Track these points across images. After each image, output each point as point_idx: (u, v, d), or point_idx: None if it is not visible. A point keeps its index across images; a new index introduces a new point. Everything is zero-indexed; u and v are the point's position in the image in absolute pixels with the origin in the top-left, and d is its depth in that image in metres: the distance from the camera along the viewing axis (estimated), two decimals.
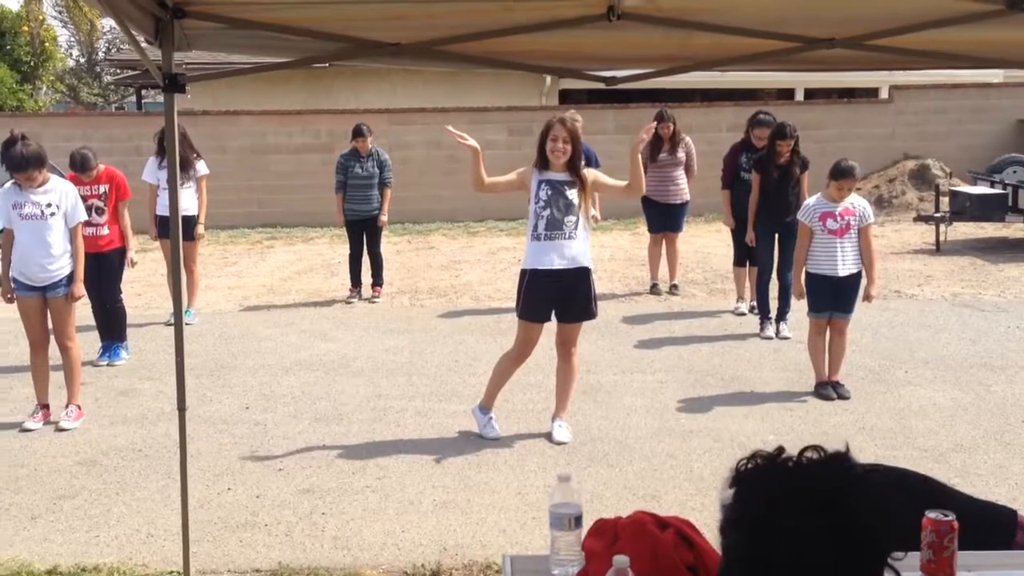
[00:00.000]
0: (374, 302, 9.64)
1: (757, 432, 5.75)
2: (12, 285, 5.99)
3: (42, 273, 5.90)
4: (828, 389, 6.39)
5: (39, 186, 5.90)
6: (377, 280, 9.81)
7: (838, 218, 6.32)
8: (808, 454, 1.38)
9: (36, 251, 5.88)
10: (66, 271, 5.98)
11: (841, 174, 6.30)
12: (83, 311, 7.43)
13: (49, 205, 5.91)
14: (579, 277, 5.46)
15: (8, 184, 6.00)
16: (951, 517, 2.19)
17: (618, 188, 5.54)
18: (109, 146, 13.84)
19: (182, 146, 8.23)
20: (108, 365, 7.40)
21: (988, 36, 3.53)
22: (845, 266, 6.33)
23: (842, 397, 6.34)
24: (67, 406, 6.10)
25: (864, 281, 6.46)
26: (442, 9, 3.29)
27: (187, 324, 8.63)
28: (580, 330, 5.68)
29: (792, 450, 1.41)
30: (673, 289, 9.70)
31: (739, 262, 8.73)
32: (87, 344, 7.21)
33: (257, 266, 12.01)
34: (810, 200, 6.59)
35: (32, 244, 5.88)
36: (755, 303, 8.36)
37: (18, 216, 5.89)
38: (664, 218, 9.56)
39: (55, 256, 5.92)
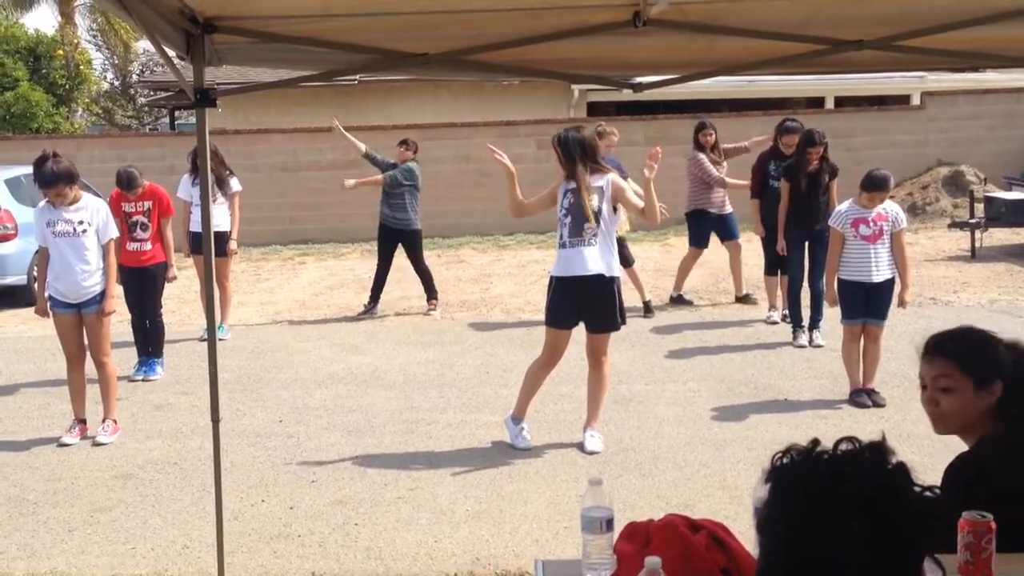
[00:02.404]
0: (430, 315, 9.61)
1: (791, 441, 5.66)
2: (48, 302, 6.08)
3: (77, 289, 5.98)
4: (863, 397, 6.32)
5: (71, 203, 5.99)
6: (431, 294, 9.76)
7: (871, 224, 6.26)
8: (843, 446, 1.35)
9: (70, 268, 5.96)
10: (100, 287, 6.05)
11: (874, 186, 6.23)
12: (120, 328, 7.54)
13: (81, 222, 5.99)
14: (603, 284, 5.46)
15: (42, 203, 6.10)
16: (989, 517, 2.15)
17: (636, 207, 5.51)
18: (143, 165, 13.79)
19: (215, 163, 8.34)
20: (143, 380, 7.49)
21: (1018, 33, 3.49)
22: (879, 272, 6.27)
23: (877, 405, 6.27)
24: (103, 421, 6.17)
25: (898, 287, 6.39)
26: (470, 18, 3.31)
27: (220, 340, 8.72)
28: (608, 340, 5.66)
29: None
30: (747, 298, 9.52)
31: (770, 271, 8.68)
32: (122, 359, 7.30)
33: (289, 282, 12.10)
34: (842, 206, 6.52)
35: (66, 261, 5.96)
36: (787, 312, 8.29)
37: (51, 234, 5.98)
38: (721, 229, 9.47)
39: (89, 272, 6.00)
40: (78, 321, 6.06)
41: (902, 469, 1.32)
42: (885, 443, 1.34)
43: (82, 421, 6.19)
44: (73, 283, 5.98)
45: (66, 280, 5.98)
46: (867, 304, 6.31)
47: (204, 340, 8.29)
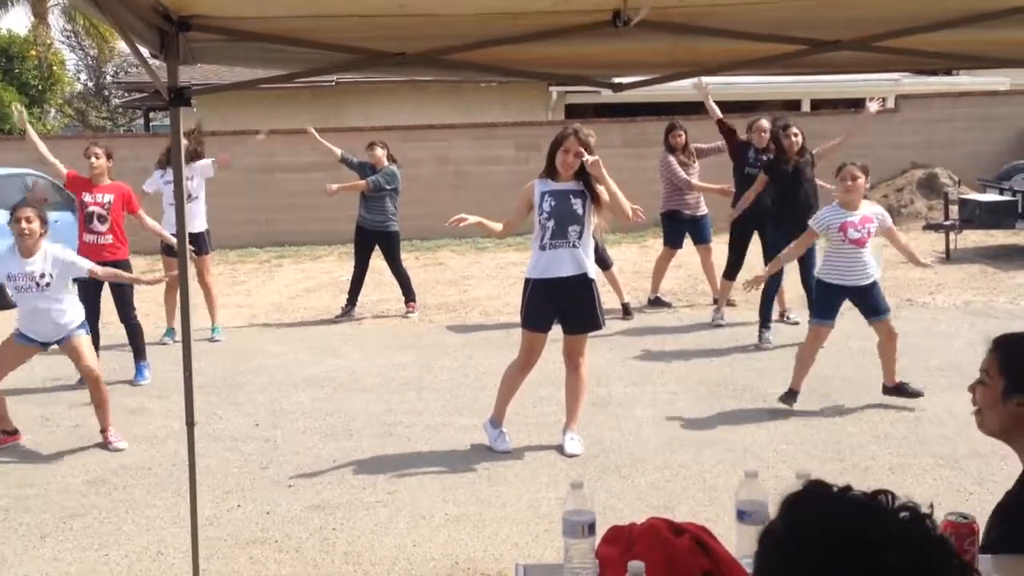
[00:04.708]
0: (408, 317, 9.57)
1: (770, 442, 5.70)
2: (13, 334, 5.98)
3: (56, 330, 5.93)
4: (794, 399, 6.27)
5: (29, 256, 5.87)
6: (409, 296, 9.72)
7: (859, 227, 6.21)
8: (883, 499, 1.26)
9: (41, 314, 5.89)
10: (78, 319, 5.99)
11: (851, 175, 6.23)
12: (111, 332, 7.42)
13: (42, 275, 5.88)
14: (582, 285, 5.45)
15: (3, 249, 6.03)
16: (971, 519, 2.14)
17: (608, 204, 5.44)
18: (117, 166, 13.80)
19: (192, 141, 8.25)
20: (131, 385, 7.37)
21: (994, 36, 3.51)
22: (868, 275, 6.23)
23: (915, 395, 6.25)
24: (105, 432, 5.99)
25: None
26: (448, 19, 3.28)
27: (216, 340, 8.64)
28: (586, 341, 5.65)
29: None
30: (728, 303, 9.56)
31: (729, 274, 8.68)
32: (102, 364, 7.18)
33: (266, 284, 12.02)
34: (823, 211, 6.44)
35: (35, 312, 5.90)
36: (784, 311, 8.36)
37: (14, 288, 5.91)
38: (694, 232, 9.51)
39: (62, 311, 5.93)
40: (30, 355, 6.04)
41: (944, 542, 1.26)
42: (932, 515, 1.26)
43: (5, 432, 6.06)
44: (48, 325, 5.91)
45: (40, 327, 5.92)
46: (862, 306, 6.28)
47: (177, 342, 8.19)
